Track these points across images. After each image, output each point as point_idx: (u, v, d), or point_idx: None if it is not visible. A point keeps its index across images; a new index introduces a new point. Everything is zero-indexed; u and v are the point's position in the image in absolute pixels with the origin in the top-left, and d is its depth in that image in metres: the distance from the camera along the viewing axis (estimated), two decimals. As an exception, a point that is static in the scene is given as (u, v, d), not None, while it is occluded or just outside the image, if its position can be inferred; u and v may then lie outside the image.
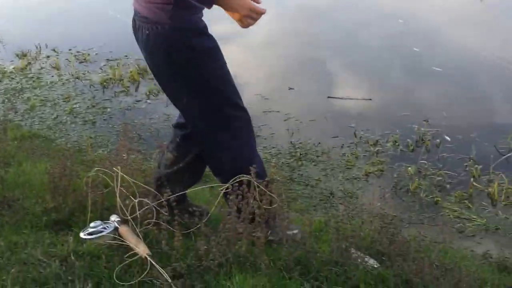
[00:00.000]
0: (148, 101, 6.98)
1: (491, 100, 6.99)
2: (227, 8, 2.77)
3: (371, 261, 3.05)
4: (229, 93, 2.97)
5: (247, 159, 3.00)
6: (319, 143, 5.89)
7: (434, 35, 9.15)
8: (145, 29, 2.81)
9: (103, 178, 3.09)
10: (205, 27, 2.90)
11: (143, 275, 2.53)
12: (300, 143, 5.94)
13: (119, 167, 2.80)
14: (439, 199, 4.98)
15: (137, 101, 6.99)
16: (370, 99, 6.91)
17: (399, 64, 8.05)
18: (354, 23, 9.52)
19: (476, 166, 5.34)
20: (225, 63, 2.97)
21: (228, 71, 2.98)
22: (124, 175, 2.80)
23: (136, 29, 2.90)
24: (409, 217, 4.80)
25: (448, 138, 5.92)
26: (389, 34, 9.20)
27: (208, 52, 2.85)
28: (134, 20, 2.91)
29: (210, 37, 2.91)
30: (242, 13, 2.74)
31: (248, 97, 6.72)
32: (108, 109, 6.76)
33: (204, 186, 3.65)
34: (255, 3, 2.75)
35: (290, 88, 7.07)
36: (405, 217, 4.79)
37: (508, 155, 5.54)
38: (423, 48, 8.46)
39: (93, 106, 6.85)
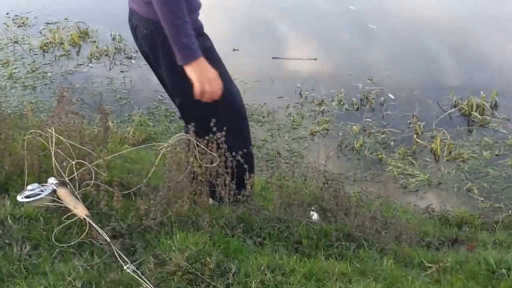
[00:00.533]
0: (90, 64, 6.82)
1: (434, 58, 7.05)
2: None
3: (315, 216, 3.07)
4: (229, 88, 2.91)
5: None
6: (265, 103, 5.86)
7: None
8: (143, 29, 2.81)
9: (40, 140, 3.01)
10: (201, 27, 2.85)
11: (82, 236, 2.48)
12: (246, 104, 5.82)
13: (53, 128, 2.72)
14: (383, 156, 5.03)
15: (78, 65, 6.82)
16: (315, 59, 6.90)
17: (344, 24, 8.05)
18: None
19: (420, 123, 5.40)
20: (221, 60, 2.94)
21: (225, 68, 2.95)
22: (59, 136, 2.71)
23: (134, 29, 2.92)
24: (354, 174, 4.84)
25: (392, 96, 5.97)
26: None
27: (206, 52, 2.76)
28: (130, 20, 2.93)
29: (206, 36, 2.89)
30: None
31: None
32: (49, 74, 6.58)
33: (144, 146, 3.55)
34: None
35: (234, 50, 6.99)
36: (350, 174, 4.83)
37: (451, 111, 5.61)
38: (364, 6, 8.45)
39: (33, 71, 6.66)
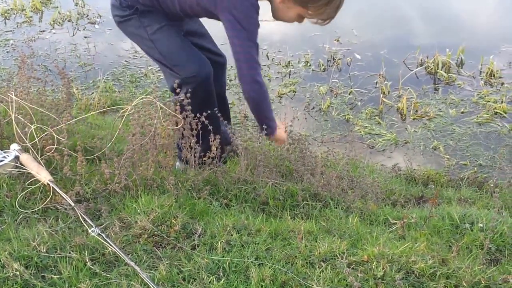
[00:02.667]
0: (53, 31, 6.69)
1: (402, 17, 7.07)
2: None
3: None
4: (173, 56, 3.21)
5: None
6: (232, 66, 5.76)
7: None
8: None
9: (1, 106, 2.96)
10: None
11: (46, 202, 2.46)
12: (212, 67, 5.84)
13: (13, 93, 2.67)
14: (350, 116, 5.04)
15: (41, 31, 6.69)
16: (283, 20, 6.84)
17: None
18: None
19: (386, 82, 5.41)
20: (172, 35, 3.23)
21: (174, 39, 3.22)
22: (20, 101, 2.66)
23: None
24: (322, 135, 4.84)
25: (358, 56, 5.97)
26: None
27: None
28: None
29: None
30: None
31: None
32: (11, 41, 6.44)
33: (107, 109, 3.51)
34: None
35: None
36: (318, 135, 4.84)
37: (417, 70, 5.63)
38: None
39: (-5, 38, 6.53)
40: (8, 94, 2.73)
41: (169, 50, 3.11)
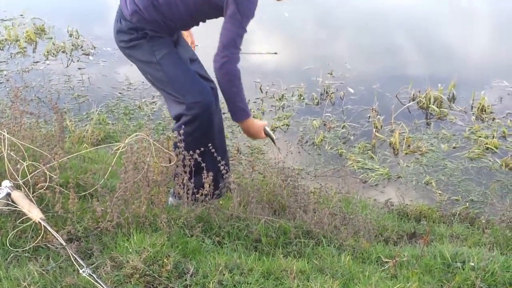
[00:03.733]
0: (47, 62, 6.72)
1: (394, 50, 7.14)
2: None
3: None
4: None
5: None
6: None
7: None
8: None
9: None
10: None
11: (37, 240, 2.44)
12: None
13: (5, 130, 2.66)
14: (344, 151, 5.05)
15: (35, 62, 6.71)
16: (276, 53, 6.91)
17: (305, 17, 8.09)
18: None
19: (379, 116, 5.44)
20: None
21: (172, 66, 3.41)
22: (12, 138, 2.66)
23: None
24: (315, 169, 4.85)
25: (351, 90, 6.01)
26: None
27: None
28: None
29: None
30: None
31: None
32: (5, 72, 6.45)
33: (101, 147, 3.52)
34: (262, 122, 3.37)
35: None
36: (311, 169, 4.84)
37: (409, 104, 5.66)
38: (330, 3, 8.52)
39: (-12, 69, 6.54)
40: (0, 130, 2.71)
41: (176, 74, 3.24)
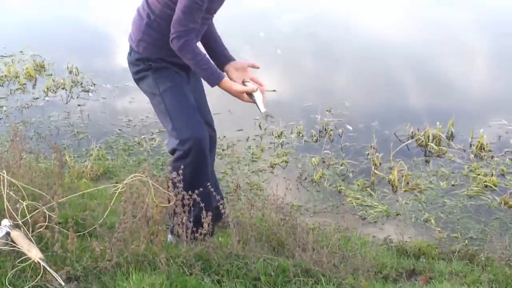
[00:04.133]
0: (47, 98, 6.75)
1: (392, 87, 7.19)
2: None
3: None
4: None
5: None
6: (224, 136, 5.84)
7: (336, 21, 9.43)
8: None
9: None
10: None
11: (36, 280, 2.43)
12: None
13: (4, 171, 2.68)
14: (343, 187, 5.05)
15: (34, 98, 6.74)
16: (275, 91, 6.93)
17: (304, 54, 8.18)
18: (254, 13, 9.62)
19: (377, 154, 5.44)
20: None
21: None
22: (12, 180, 2.67)
23: None
24: (314, 206, 4.84)
25: (350, 127, 6.03)
26: (294, 22, 9.36)
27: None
28: None
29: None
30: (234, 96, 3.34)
31: (143, 93, 6.64)
32: (4, 108, 6.48)
33: (100, 187, 3.52)
34: (241, 87, 3.33)
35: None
36: (310, 206, 4.83)
37: (407, 142, 5.68)
38: (326, 36, 8.62)
39: (-12, 105, 6.57)
40: (0, 172, 2.73)
41: (174, 108, 3.34)
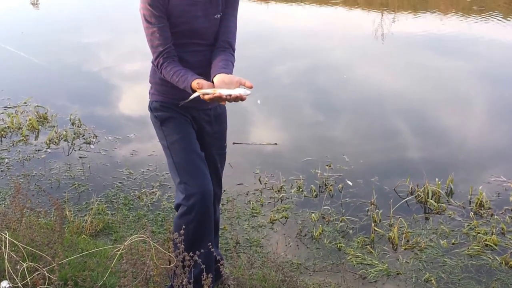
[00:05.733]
0: (49, 150, 6.79)
1: (390, 141, 7.23)
2: None
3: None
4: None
5: None
6: (224, 190, 5.85)
7: (335, 72, 9.57)
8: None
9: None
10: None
11: None
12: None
13: (6, 232, 2.68)
14: (342, 245, 5.03)
15: (36, 150, 6.79)
16: (276, 144, 7.00)
17: (306, 105, 8.27)
18: (258, 66, 9.74)
19: (377, 210, 5.44)
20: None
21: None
22: (13, 240, 2.67)
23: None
24: (313, 264, 4.81)
25: (350, 183, 6.04)
26: (295, 74, 9.48)
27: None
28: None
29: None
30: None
31: (148, 149, 6.68)
32: (6, 160, 6.52)
33: (100, 249, 3.52)
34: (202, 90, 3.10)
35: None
36: (309, 264, 4.81)
37: (407, 199, 5.69)
38: (324, 89, 8.72)
39: (-10, 157, 6.61)
40: (2, 234, 2.73)
41: (182, 163, 3.38)
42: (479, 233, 5.10)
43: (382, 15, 13.94)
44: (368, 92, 8.97)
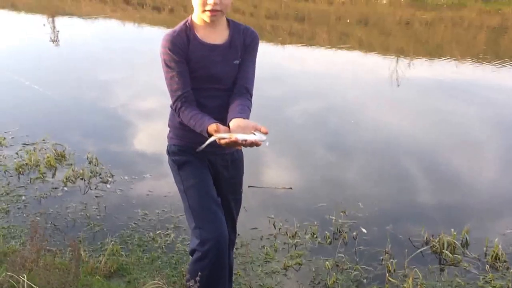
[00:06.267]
0: (65, 188, 6.85)
1: (404, 188, 7.22)
2: None
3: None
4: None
5: None
6: (239, 234, 5.83)
7: (347, 114, 9.64)
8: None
9: (11, 283, 3.00)
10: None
11: None
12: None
13: (24, 276, 2.71)
14: (356, 294, 5.01)
15: (53, 188, 6.84)
16: (291, 188, 7.02)
17: (321, 149, 8.30)
18: (271, 106, 9.83)
19: (392, 260, 5.42)
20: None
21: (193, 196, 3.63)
22: (31, 284, 2.70)
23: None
24: (327, 315, 4.80)
25: (364, 230, 6.03)
26: (308, 115, 9.53)
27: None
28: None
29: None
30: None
31: (164, 189, 6.72)
32: (23, 197, 6.57)
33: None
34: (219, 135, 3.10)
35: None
36: (323, 315, 4.79)
37: (422, 249, 5.66)
38: (341, 129, 8.76)
39: (7, 194, 6.66)
40: (20, 276, 2.76)
41: (197, 208, 3.43)
42: (494, 286, 5.07)
43: (397, 60, 14.02)
44: (381, 135, 9.01)
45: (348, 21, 19.69)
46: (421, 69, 13.28)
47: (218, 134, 3.08)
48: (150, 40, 16.40)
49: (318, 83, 12.08)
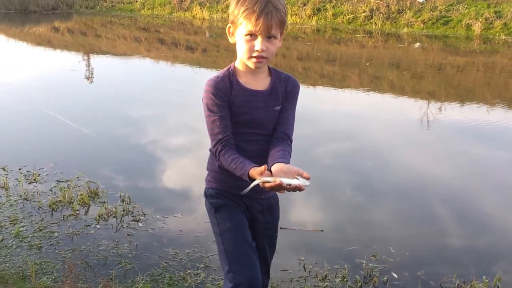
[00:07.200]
0: (98, 226, 6.92)
1: (435, 232, 7.15)
2: None
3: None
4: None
5: None
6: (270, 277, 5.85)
7: (377, 156, 9.60)
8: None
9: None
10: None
11: None
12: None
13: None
14: None
15: (86, 225, 6.92)
16: (322, 231, 7.00)
17: (352, 191, 8.27)
18: (301, 147, 9.85)
19: (424, 308, 5.37)
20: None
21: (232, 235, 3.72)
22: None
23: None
24: None
25: (395, 275, 5.98)
26: (338, 156, 9.51)
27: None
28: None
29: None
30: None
31: (195, 229, 6.75)
32: (56, 234, 6.66)
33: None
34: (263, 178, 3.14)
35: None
36: None
37: (454, 297, 5.61)
38: (371, 170, 8.73)
39: (40, 230, 6.75)
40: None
41: (232, 252, 3.47)
42: (527, 336, 4.99)
43: (428, 104, 14.00)
44: (411, 177, 8.97)
45: (378, 63, 19.78)
46: (452, 113, 13.22)
47: (263, 177, 3.13)
48: (183, 79, 16.65)
49: (349, 125, 12.11)
